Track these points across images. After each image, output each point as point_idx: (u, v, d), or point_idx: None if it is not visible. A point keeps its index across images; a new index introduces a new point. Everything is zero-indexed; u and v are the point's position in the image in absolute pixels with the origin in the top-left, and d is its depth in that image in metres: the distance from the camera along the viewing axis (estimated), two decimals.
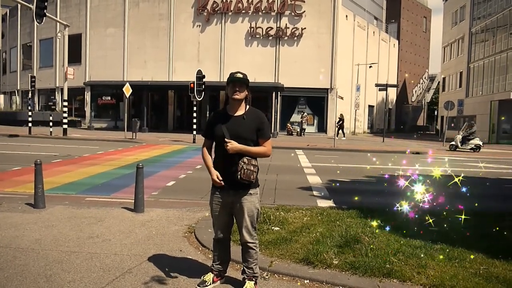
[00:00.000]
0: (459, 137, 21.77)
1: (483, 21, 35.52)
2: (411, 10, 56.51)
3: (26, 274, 3.88)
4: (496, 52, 32.86)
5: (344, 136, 29.06)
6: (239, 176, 3.35)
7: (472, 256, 4.35)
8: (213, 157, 3.63)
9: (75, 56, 32.75)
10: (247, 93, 3.50)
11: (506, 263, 4.22)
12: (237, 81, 3.43)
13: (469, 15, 38.01)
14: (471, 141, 21.30)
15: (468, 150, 21.17)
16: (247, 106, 3.55)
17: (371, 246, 4.54)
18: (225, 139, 3.37)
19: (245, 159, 3.37)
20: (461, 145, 21.42)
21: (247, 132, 3.44)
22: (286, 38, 31.46)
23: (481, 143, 21.42)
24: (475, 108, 34.75)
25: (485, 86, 34.58)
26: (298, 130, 31.44)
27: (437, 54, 64.07)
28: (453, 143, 21.93)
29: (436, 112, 50.91)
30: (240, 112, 3.50)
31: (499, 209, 7.07)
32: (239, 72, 3.46)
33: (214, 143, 3.59)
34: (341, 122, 28.26)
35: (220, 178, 3.46)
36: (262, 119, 3.53)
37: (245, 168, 3.35)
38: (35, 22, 20.29)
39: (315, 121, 33.14)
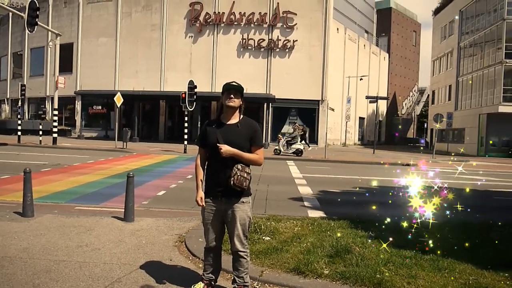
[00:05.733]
0: (282, 141, 21.84)
1: (471, 36, 36.15)
2: (401, 24, 57.41)
3: (13, 283, 3.82)
4: (484, 66, 33.40)
5: (303, 147, 29.46)
6: (232, 182, 3.36)
7: (461, 267, 4.38)
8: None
9: (66, 65, 32.67)
10: (241, 102, 3.53)
11: (495, 274, 4.25)
12: (232, 89, 3.47)
13: (457, 30, 38.66)
14: (293, 146, 21.38)
15: (291, 154, 21.12)
16: (241, 116, 3.58)
17: (362, 256, 4.55)
18: (218, 144, 3.39)
19: (239, 166, 3.39)
20: (284, 150, 21.45)
21: (241, 139, 3.46)
22: (277, 50, 31.69)
23: (302, 147, 21.52)
24: (464, 121, 35.19)
25: (473, 100, 35.05)
26: None
27: (426, 67, 64.96)
28: (277, 147, 21.89)
29: (426, 125, 51.45)
30: (234, 120, 3.53)
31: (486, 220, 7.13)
32: (234, 82, 3.52)
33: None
34: (302, 133, 28.46)
35: (202, 203, 3.51)
36: (255, 127, 3.57)
37: (238, 174, 3.36)
38: (27, 31, 20.22)
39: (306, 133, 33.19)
